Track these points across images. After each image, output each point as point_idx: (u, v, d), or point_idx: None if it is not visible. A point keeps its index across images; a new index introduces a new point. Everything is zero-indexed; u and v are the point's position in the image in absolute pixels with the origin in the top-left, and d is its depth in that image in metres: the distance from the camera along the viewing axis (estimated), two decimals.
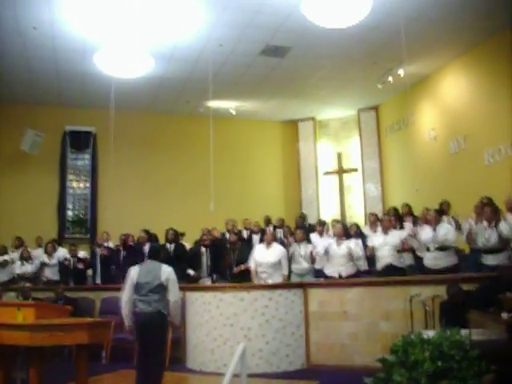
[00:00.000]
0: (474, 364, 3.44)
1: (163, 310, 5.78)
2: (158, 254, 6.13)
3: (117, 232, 11.43)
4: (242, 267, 9.33)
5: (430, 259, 7.89)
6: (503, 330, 3.57)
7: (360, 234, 9.38)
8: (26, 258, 10.88)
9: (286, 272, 8.92)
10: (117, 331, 9.06)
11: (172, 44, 10.07)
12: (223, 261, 9.88)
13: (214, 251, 10.24)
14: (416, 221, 9.16)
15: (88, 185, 13.85)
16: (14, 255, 11.10)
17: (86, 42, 9.89)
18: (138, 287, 5.78)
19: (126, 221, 12.36)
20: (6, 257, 10.95)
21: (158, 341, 5.80)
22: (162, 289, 5.79)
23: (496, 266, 7.04)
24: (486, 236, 7.55)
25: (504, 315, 4.22)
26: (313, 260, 9.03)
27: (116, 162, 12.17)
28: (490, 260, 7.42)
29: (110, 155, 11.64)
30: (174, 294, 5.82)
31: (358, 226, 9.86)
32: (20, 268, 10.80)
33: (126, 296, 5.83)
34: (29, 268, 10.85)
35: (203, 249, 10.32)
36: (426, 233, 8.02)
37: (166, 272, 5.86)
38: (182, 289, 8.99)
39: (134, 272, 5.87)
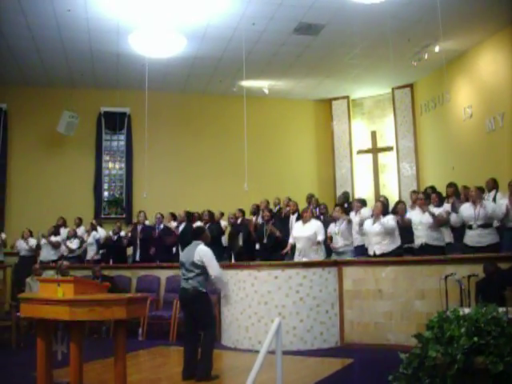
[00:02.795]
0: (511, 340, 3.41)
1: (200, 287, 6.04)
2: (197, 235, 6.40)
3: (152, 212, 11.58)
4: (284, 251, 9.28)
5: (472, 236, 7.77)
6: None
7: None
8: (72, 236, 11.24)
9: (320, 238, 8.74)
10: (152, 308, 9.24)
11: (205, 23, 10.06)
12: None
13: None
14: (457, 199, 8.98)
15: (123, 165, 14.03)
16: (62, 232, 11.46)
17: (120, 23, 9.95)
18: (181, 266, 6.27)
19: (161, 201, 12.51)
20: (58, 238, 11.25)
21: (198, 315, 6.10)
22: (196, 267, 6.05)
23: None
24: None
25: None
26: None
27: (150, 143, 12.30)
28: None
29: (145, 136, 11.76)
30: (212, 269, 6.09)
31: (404, 204, 9.68)
32: (69, 245, 11.16)
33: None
34: (74, 245, 11.19)
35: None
36: (467, 210, 7.90)
37: (201, 251, 6.11)
38: None
39: (182, 252, 6.27)
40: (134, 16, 9.63)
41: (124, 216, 13.56)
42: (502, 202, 7.94)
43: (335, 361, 6.90)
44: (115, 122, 13.91)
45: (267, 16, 9.88)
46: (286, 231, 9.71)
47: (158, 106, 13.12)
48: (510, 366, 3.29)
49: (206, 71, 12.73)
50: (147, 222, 11.53)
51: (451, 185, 9.58)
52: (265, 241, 9.79)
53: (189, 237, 6.72)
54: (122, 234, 11.41)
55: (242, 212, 11.11)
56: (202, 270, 6.07)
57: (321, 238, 8.79)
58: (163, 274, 9.91)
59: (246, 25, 10.08)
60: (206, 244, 6.33)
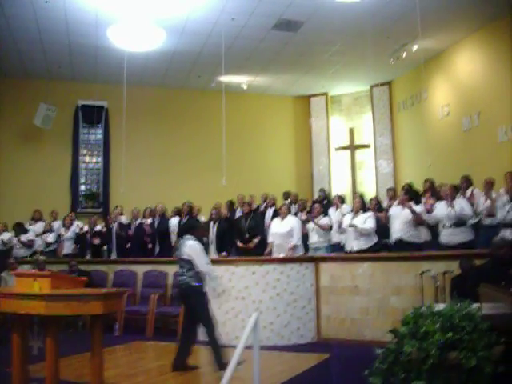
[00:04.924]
0: (484, 336, 3.47)
1: (192, 282, 6.13)
2: (188, 230, 6.50)
3: (129, 206, 11.53)
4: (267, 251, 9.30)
5: (446, 235, 7.87)
6: None
7: (379, 208, 9.30)
8: (47, 230, 11.13)
9: (294, 241, 8.79)
10: (129, 303, 9.21)
11: (185, 17, 10.01)
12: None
13: (221, 227, 10.38)
14: (436, 196, 9.08)
15: (100, 159, 13.92)
16: (38, 226, 11.30)
17: (99, 15, 9.86)
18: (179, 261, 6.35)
19: (139, 195, 12.45)
20: (29, 235, 11.07)
21: (192, 309, 6.23)
22: (186, 262, 6.17)
23: None
24: (507, 209, 7.53)
25: None
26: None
27: (128, 137, 12.21)
28: (508, 234, 7.37)
29: (122, 130, 11.69)
30: (199, 264, 6.14)
31: (377, 200, 9.77)
32: (43, 240, 11.05)
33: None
34: (50, 239, 11.09)
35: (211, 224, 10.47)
36: (441, 208, 8.00)
37: (187, 246, 6.22)
38: None
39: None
40: (114, 9, 9.54)
41: (101, 210, 13.46)
42: (465, 201, 8.05)
43: (312, 356, 6.95)
44: (93, 115, 13.78)
45: (247, 11, 9.87)
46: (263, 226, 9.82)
47: (137, 100, 13.05)
48: (483, 360, 3.36)
49: (185, 66, 12.68)
50: (123, 217, 11.49)
51: (427, 181, 9.72)
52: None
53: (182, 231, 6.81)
54: (98, 228, 11.35)
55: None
56: (192, 265, 6.15)
57: (295, 241, 8.83)
58: (140, 269, 9.88)
59: (225, 20, 10.06)
60: (199, 239, 6.41)
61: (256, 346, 4.51)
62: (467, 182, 8.91)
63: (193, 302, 6.19)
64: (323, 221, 9.20)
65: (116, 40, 10.27)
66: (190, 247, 6.20)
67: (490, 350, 3.42)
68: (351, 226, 8.33)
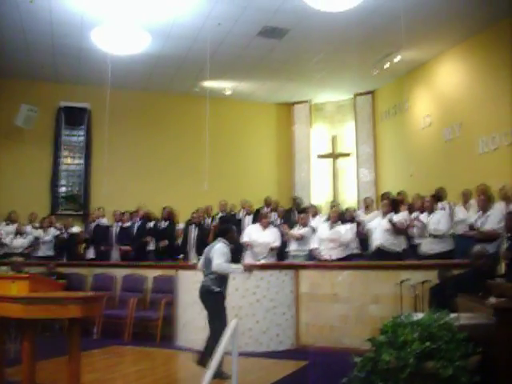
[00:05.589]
0: (461, 345, 3.52)
1: (211, 285, 6.23)
2: (222, 234, 6.59)
3: (110, 209, 11.48)
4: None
5: (426, 244, 7.95)
6: (491, 314, 3.64)
7: (353, 219, 9.41)
8: (20, 232, 10.98)
9: (277, 244, 9.08)
10: (108, 307, 9.16)
11: (170, 21, 10.00)
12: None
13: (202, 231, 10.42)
14: (411, 208, 9.19)
15: (82, 161, 13.77)
16: (9, 229, 11.15)
17: (84, 17, 9.80)
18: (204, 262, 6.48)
19: (120, 198, 12.37)
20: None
21: (208, 311, 6.30)
22: (209, 264, 6.29)
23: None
24: (479, 224, 7.62)
25: (492, 300, 4.29)
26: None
27: (110, 139, 12.15)
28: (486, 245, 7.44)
29: (105, 132, 11.63)
30: (213, 263, 6.20)
31: (354, 211, 9.89)
32: (12, 242, 10.87)
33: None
34: (20, 242, 10.92)
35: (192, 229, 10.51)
36: (423, 219, 8.07)
37: (213, 248, 6.37)
38: (174, 267, 9.19)
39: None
40: (99, 10, 9.48)
41: (81, 213, 13.35)
42: (442, 213, 8.15)
43: (290, 363, 6.96)
44: (75, 117, 13.67)
45: (233, 18, 9.89)
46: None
47: (120, 103, 12.95)
48: (459, 370, 3.40)
49: (170, 70, 12.65)
50: (104, 220, 11.44)
51: (400, 193, 9.87)
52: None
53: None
54: (74, 230, 11.28)
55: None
56: None
57: (277, 244, 8.96)
58: (120, 273, 9.83)
59: (211, 25, 10.06)
60: (232, 243, 6.58)
61: (235, 352, 4.51)
62: (441, 194, 9.06)
63: (208, 305, 6.31)
64: (302, 231, 9.23)
65: (100, 42, 10.22)
66: (215, 249, 6.33)
67: (467, 360, 3.46)
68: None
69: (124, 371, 6.61)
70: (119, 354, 7.88)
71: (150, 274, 9.50)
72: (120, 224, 11.11)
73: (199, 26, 10.14)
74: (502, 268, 6.87)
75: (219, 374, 5.65)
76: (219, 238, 6.50)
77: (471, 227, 7.83)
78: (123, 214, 11.23)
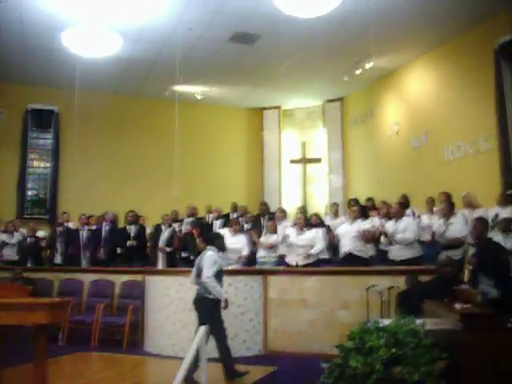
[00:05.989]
0: (427, 351, 3.57)
1: (205, 293, 6.23)
2: (211, 241, 6.64)
3: (77, 213, 11.34)
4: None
5: (394, 250, 8.01)
6: (456, 319, 3.70)
7: (321, 224, 9.46)
8: None
9: (245, 253, 9.06)
10: (74, 313, 9.04)
11: (141, 25, 9.96)
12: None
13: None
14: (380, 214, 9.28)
15: (49, 164, 13.60)
16: None
17: (55, 18, 9.67)
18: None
19: (88, 202, 12.24)
20: None
21: (202, 320, 6.16)
22: (201, 273, 6.26)
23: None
24: (442, 231, 7.73)
25: (457, 306, 4.37)
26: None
27: (79, 143, 12.06)
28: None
29: (73, 135, 11.53)
30: (204, 272, 6.22)
31: (318, 216, 9.95)
32: None
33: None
34: None
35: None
36: (390, 226, 8.15)
37: (204, 256, 6.36)
38: (142, 273, 9.11)
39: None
40: (70, 12, 9.38)
41: (47, 216, 13.16)
42: (409, 221, 8.24)
43: (258, 368, 6.94)
44: (43, 119, 13.50)
45: (204, 23, 9.90)
46: None
47: (89, 106, 12.84)
48: (425, 375, 3.45)
49: (140, 73, 12.59)
50: (71, 224, 11.30)
51: (369, 199, 9.98)
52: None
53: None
54: (40, 234, 11.12)
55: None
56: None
57: (246, 252, 8.98)
58: (87, 278, 9.71)
59: (182, 30, 10.05)
60: (220, 250, 6.62)
61: (203, 359, 4.51)
62: (405, 200, 9.17)
63: (203, 313, 6.28)
64: (272, 239, 9.23)
65: (71, 44, 10.12)
66: (206, 257, 6.32)
67: (433, 366, 3.52)
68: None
69: (91, 378, 6.50)
70: (86, 361, 7.77)
71: (118, 279, 9.40)
72: (86, 228, 10.96)
73: (170, 29, 10.12)
74: (465, 275, 6.99)
75: (191, 381, 5.66)
76: (208, 247, 6.52)
77: (433, 234, 7.94)
78: (89, 217, 11.09)
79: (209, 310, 6.25)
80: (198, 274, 6.33)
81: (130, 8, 9.30)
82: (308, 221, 9.03)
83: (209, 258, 6.30)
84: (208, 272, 6.19)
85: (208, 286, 6.19)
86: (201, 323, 6.21)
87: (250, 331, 7.86)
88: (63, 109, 13.26)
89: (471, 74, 10.05)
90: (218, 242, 6.62)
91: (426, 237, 8.28)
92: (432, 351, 3.58)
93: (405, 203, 9.02)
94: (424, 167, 11.06)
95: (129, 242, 10.19)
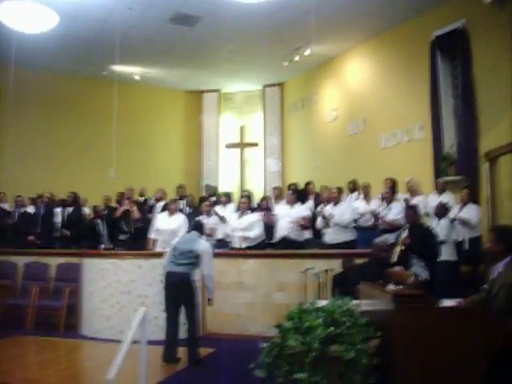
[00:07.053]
0: (362, 330, 3.72)
1: (190, 275, 6.38)
2: (199, 228, 6.84)
3: (12, 194, 11.05)
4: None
5: (329, 234, 8.23)
6: (389, 300, 3.86)
7: (268, 208, 9.53)
8: None
9: (180, 232, 8.98)
10: (9, 297, 8.85)
11: (79, 1, 9.69)
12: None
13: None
14: (318, 198, 9.47)
15: None
16: None
17: None
18: (173, 250, 6.54)
19: (23, 183, 11.88)
20: None
21: (184, 300, 6.38)
22: (194, 256, 6.40)
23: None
24: (383, 214, 8.00)
25: (390, 287, 4.56)
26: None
27: (14, 122, 11.65)
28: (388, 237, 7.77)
29: (8, 114, 11.14)
30: (208, 267, 6.45)
31: (267, 199, 10.02)
32: None
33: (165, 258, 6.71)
34: None
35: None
36: (327, 210, 8.36)
37: (204, 245, 6.53)
38: (79, 255, 8.98)
39: (176, 239, 6.92)
40: None
41: None
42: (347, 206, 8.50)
43: None
44: None
45: (144, 2, 9.74)
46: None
47: (25, 84, 12.39)
48: (360, 353, 3.61)
49: (78, 52, 12.23)
50: (5, 205, 10.99)
51: (309, 183, 10.17)
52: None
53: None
54: None
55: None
56: (196, 260, 6.39)
57: (181, 232, 8.93)
58: (21, 260, 9.50)
59: (122, 8, 9.85)
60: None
61: (144, 341, 4.52)
62: (354, 186, 9.44)
63: (187, 293, 6.33)
64: (212, 224, 9.24)
65: (5, 19, 9.74)
66: (207, 248, 6.50)
67: (367, 344, 3.67)
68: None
69: (26, 362, 6.41)
70: (20, 345, 7.63)
71: (53, 261, 9.24)
72: (21, 210, 10.69)
73: (109, 7, 9.91)
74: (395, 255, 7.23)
75: (199, 363, 6.18)
76: (194, 232, 6.70)
77: (375, 216, 8.23)
78: (24, 198, 10.82)
79: (192, 291, 6.40)
80: (183, 254, 6.39)
81: None
82: (256, 205, 9.13)
83: (208, 248, 6.55)
84: (211, 262, 6.45)
85: (210, 279, 6.44)
86: (179, 303, 6.41)
87: None
88: None
89: (408, 65, 10.33)
90: (202, 229, 6.90)
91: (361, 222, 8.56)
92: (367, 330, 3.73)
93: (354, 187, 9.32)
94: (361, 154, 11.31)
95: (64, 231, 10.11)
